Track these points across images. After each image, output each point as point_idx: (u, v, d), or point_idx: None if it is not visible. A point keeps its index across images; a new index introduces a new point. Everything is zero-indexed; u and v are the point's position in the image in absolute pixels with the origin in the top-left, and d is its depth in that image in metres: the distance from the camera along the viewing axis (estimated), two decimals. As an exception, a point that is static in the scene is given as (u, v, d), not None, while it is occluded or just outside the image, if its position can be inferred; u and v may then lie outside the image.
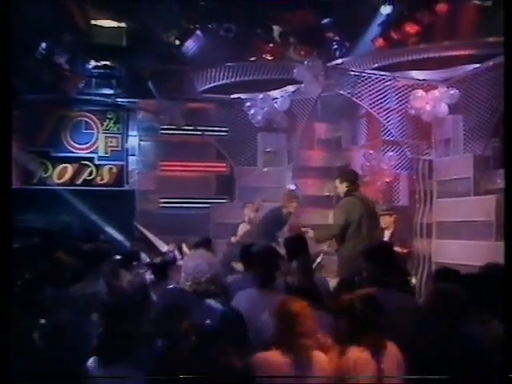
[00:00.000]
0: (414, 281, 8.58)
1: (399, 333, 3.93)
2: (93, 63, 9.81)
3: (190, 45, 10.21)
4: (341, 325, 3.79)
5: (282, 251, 5.75)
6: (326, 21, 10.98)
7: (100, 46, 9.41)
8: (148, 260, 6.94)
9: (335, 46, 11.06)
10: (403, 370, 3.68)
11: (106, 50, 9.49)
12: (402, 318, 4.28)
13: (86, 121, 12.34)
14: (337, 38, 11.06)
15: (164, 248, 7.68)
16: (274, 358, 3.46)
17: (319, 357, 3.52)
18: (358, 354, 3.54)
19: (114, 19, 9.34)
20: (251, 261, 5.25)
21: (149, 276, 6.03)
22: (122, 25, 9.40)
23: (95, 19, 9.35)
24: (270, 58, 11.02)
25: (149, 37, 9.75)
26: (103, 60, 9.75)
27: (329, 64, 9.59)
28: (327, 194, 11.47)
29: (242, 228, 9.33)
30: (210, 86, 10.57)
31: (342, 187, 7.41)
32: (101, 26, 9.35)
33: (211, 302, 4.34)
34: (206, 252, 5.05)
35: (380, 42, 10.42)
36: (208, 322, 3.53)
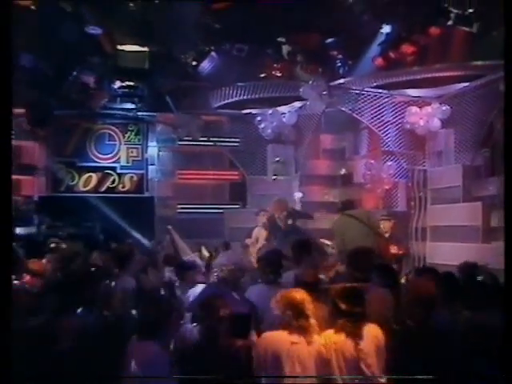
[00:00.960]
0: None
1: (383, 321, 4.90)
2: (118, 83, 10.84)
3: (206, 65, 11.22)
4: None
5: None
6: (329, 40, 11.99)
7: (124, 68, 10.43)
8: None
9: (339, 64, 12.07)
10: (382, 351, 4.59)
11: (129, 71, 10.50)
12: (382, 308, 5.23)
13: (109, 133, 13.39)
14: (340, 56, 12.06)
15: (188, 255, 8.57)
16: (280, 336, 4.43)
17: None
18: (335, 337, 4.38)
19: (137, 44, 10.38)
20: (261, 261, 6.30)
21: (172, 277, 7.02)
22: (145, 49, 10.44)
23: (120, 44, 10.40)
24: (279, 74, 12.05)
25: (168, 59, 10.80)
26: (127, 80, 10.79)
27: (332, 83, 10.56)
28: (331, 200, 12.53)
29: (257, 232, 10.26)
30: (224, 102, 11.61)
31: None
32: (125, 50, 10.39)
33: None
34: (233, 252, 6.09)
35: (379, 60, 11.39)
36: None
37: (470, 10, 9.58)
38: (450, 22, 9.67)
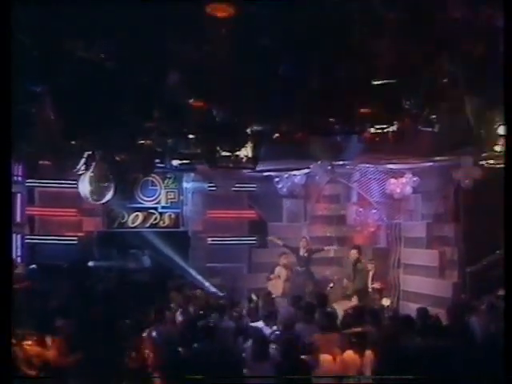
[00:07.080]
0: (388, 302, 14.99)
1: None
2: (176, 162, 15.84)
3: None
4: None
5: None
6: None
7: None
8: None
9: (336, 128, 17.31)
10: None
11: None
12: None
13: (152, 180, 18.42)
14: (337, 126, 17.30)
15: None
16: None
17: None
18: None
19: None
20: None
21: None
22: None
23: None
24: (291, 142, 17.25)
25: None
26: (184, 159, 15.73)
27: (335, 163, 15.84)
28: (328, 234, 18.09)
29: (278, 271, 15.60)
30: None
31: None
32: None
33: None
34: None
35: (365, 135, 16.67)
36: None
37: (433, 116, 14.82)
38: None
